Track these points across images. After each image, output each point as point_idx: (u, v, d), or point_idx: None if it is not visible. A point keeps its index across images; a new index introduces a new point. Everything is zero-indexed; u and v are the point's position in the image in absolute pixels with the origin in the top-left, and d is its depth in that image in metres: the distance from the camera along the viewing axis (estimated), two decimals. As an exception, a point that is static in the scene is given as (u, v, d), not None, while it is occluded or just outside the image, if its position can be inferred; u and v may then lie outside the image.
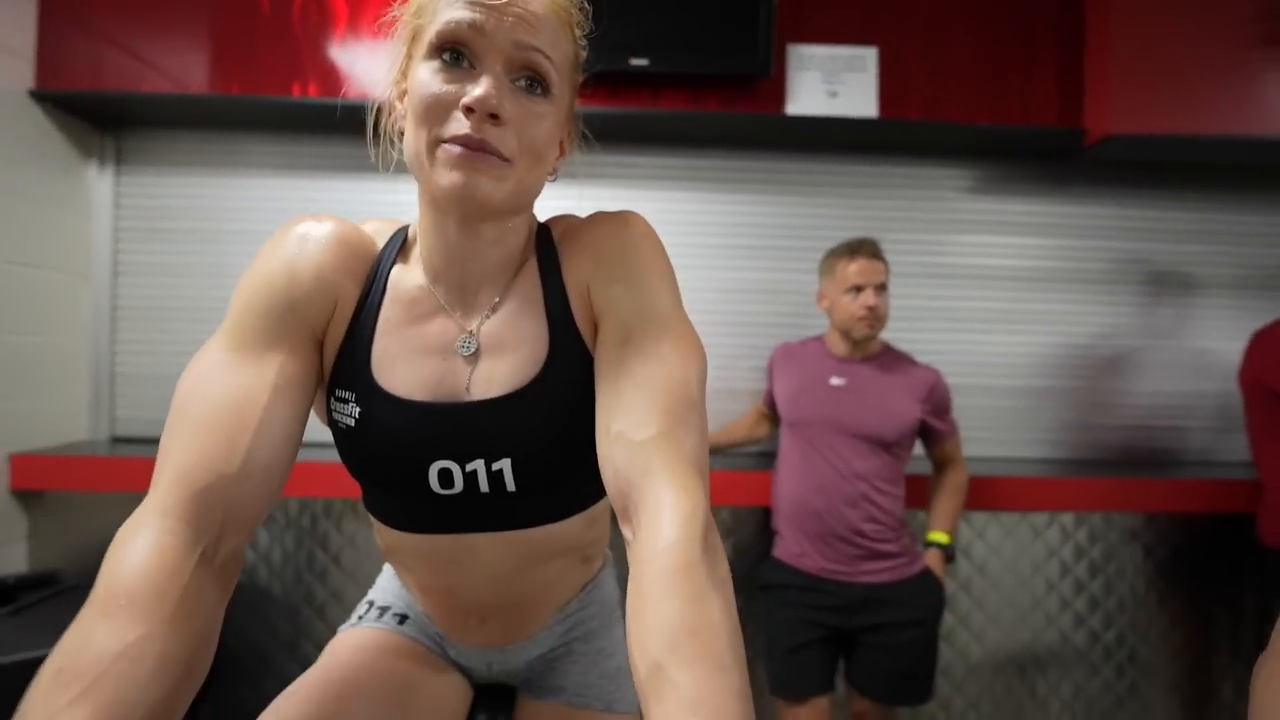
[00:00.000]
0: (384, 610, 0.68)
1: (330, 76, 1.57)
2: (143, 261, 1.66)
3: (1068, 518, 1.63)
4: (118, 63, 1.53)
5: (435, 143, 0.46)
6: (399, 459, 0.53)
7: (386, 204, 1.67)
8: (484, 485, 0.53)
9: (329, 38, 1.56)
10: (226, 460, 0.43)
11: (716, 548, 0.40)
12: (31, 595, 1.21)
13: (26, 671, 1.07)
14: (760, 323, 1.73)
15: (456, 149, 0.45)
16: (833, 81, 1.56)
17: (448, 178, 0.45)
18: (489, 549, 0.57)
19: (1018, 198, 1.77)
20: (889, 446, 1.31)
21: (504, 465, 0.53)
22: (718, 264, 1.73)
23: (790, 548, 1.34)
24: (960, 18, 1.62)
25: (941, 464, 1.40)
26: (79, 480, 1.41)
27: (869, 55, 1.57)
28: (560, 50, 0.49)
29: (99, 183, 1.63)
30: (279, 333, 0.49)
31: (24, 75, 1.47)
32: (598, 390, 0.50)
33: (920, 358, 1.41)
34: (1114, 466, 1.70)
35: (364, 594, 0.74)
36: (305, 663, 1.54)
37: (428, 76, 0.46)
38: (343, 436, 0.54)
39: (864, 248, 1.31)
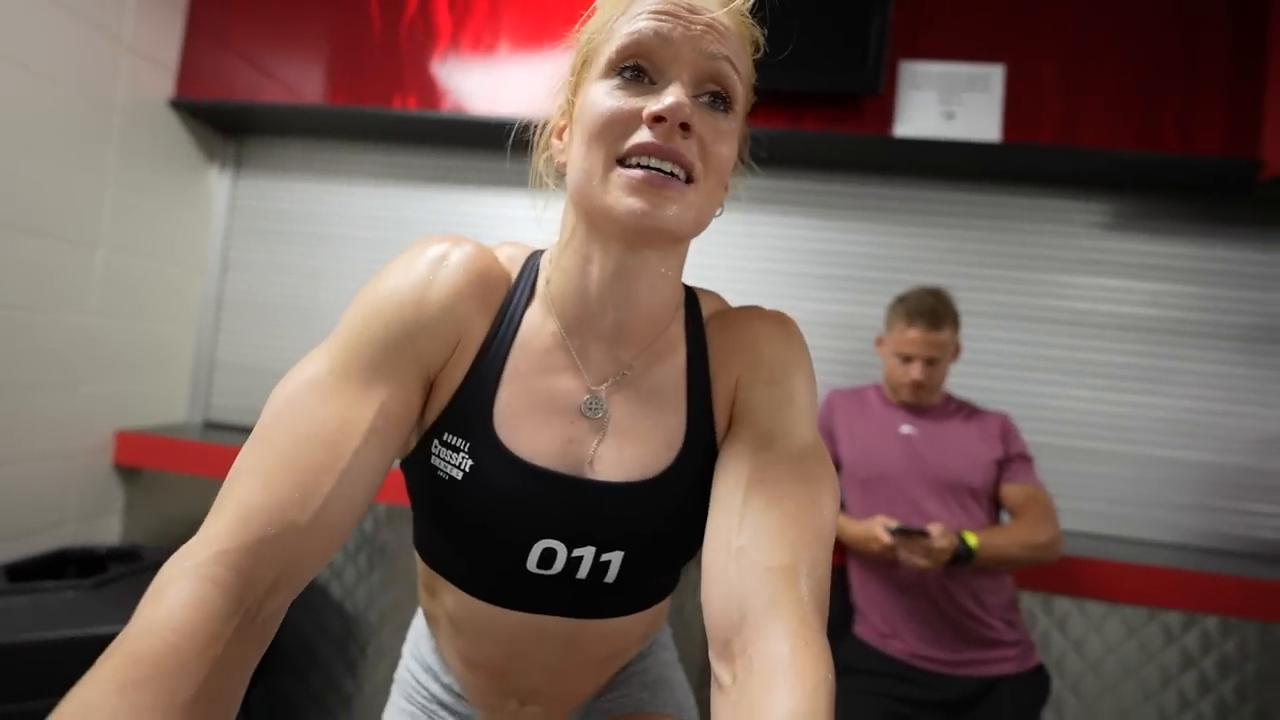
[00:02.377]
0: None
1: (429, 90, 1.61)
2: (249, 259, 1.77)
3: (1212, 623, 1.36)
4: (245, 74, 1.65)
5: (612, 162, 0.41)
6: (504, 528, 0.47)
7: (481, 215, 1.70)
8: (583, 572, 0.47)
9: (431, 53, 1.61)
10: (300, 507, 0.38)
11: None
12: (117, 568, 1.27)
13: (104, 646, 1.13)
14: (857, 361, 1.58)
15: (639, 173, 0.40)
16: (949, 101, 1.42)
17: (626, 203, 0.40)
18: (557, 634, 0.51)
19: (1165, 238, 1.53)
20: (976, 496, 1.17)
21: (614, 558, 0.47)
22: (810, 294, 1.61)
23: (876, 627, 1.18)
24: (1107, 32, 1.43)
25: (1018, 511, 1.18)
26: (173, 462, 1.50)
27: (994, 73, 1.42)
28: (744, 65, 0.45)
29: (218, 184, 1.76)
30: (391, 364, 0.44)
31: (166, 86, 1.61)
32: (719, 490, 0.45)
33: (1038, 413, 1.25)
34: (1277, 565, 1.41)
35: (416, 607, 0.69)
36: (351, 666, 1.55)
37: (603, 95, 0.42)
38: (442, 487, 0.47)
39: (922, 318, 1.19)
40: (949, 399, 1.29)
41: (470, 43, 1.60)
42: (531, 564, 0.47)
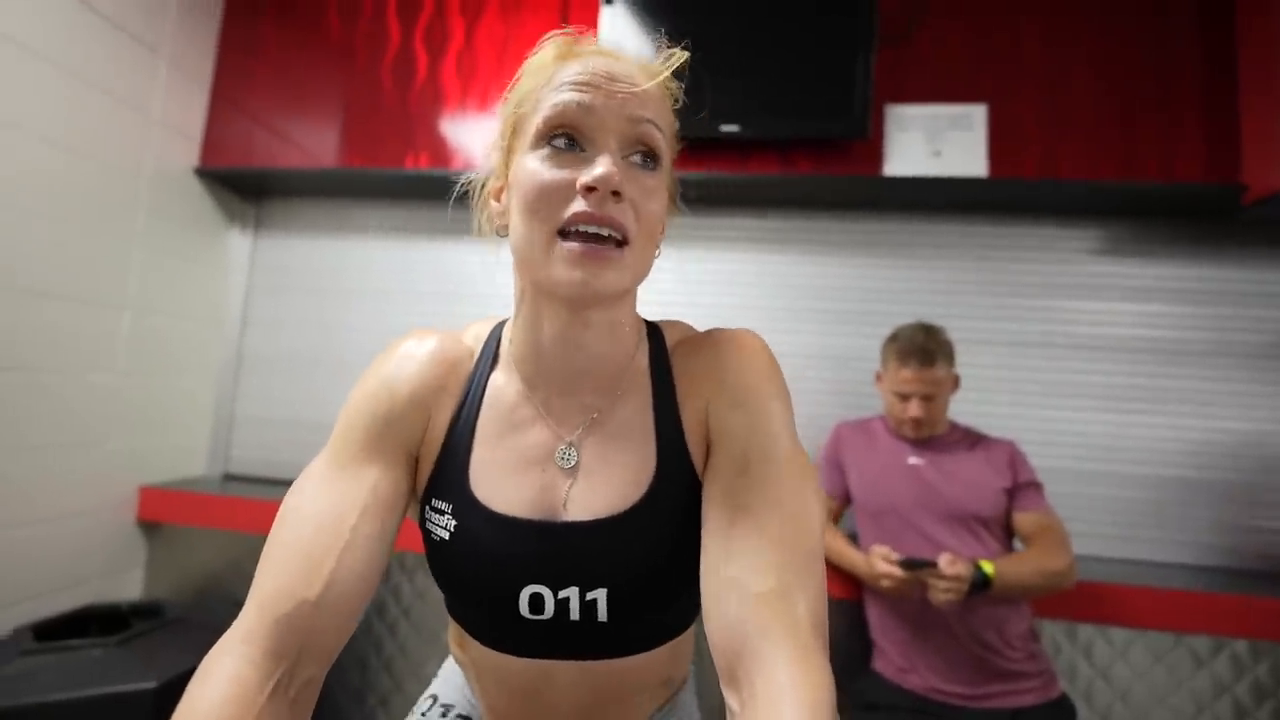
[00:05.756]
0: (448, 709, 0.64)
1: (440, 149, 1.69)
2: (267, 316, 1.83)
3: (1241, 645, 1.34)
4: (264, 141, 1.74)
5: (553, 234, 0.44)
6: (491, 579, 0.50)
7: (489, 264, 1.75)
8: (575, 614, 0.49)
9: (440, 113, 1.70)
10: (308, 586, 0.43)
11: None
12: (140, 624, 1.29)
13: (129, 703, 1.11)
14: (859, 392, 1.61)
15: (578, 246, 0.43)
16: (936, 141, 1.48)
17: (568, 275, 0.43)
18: (568, 678, 0.52)
19: (1156, 261, 1.56)
20: (987, 525, 1.17)
21: (599, 595, 0.49)
22: (810, 328, 1.65)
23: (894, 662, 1.17)
24: (1082, 67, 1.50)
25: (1031, 539, 1.18)
26: (195, 516, 1.53)
27: (976, 113, 1.48)
28: (666, 122, 0.48)
29: (239, 245, 1.84)
30: (376, 450, 0.49)
31: (191, 155, 1.70)
32: (707, 522, 0.46)
33: (1041, 436, 1.26)
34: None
35: (429, 651, 0.70)
36: (368, 715, 1.54)
37: (536, 165, 0.45)
38: (435, 548, 0.52)
39: (914, 356, 1.21)
40: (954, 427, 1.30)
41: (477, 102, 1.69)
42: (523, 610, 0.49)
